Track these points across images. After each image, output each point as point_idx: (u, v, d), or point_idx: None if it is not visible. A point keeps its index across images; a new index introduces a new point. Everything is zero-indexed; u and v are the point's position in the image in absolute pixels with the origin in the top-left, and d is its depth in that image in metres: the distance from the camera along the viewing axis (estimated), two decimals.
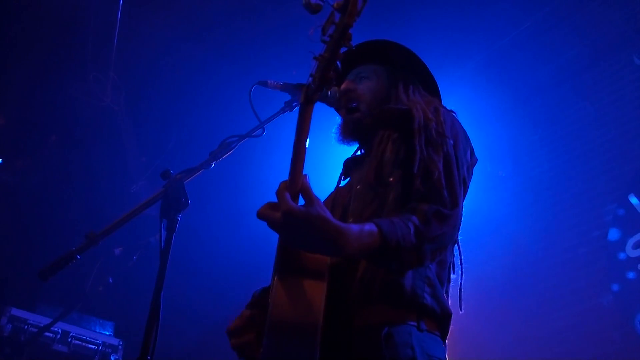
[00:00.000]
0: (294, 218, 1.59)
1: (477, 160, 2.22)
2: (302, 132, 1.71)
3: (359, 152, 2.45)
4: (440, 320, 1.95)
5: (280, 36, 6.99)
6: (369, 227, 1.69)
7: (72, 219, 7.00)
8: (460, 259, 2.18)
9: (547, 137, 6.79)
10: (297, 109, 2.68)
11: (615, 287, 5.58)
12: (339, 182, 2.40)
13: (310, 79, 1.75)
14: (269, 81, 2.70)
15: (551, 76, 6.86)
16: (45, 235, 6.96)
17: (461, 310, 2.13)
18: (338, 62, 1.71)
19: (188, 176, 2.35)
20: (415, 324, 1.87)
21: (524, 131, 6.95)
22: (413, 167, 1.93)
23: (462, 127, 2.18)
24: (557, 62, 6.79)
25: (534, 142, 6.85)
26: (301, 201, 1.67)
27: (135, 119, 7.89)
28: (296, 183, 1.68)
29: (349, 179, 2.39)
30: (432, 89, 2.48)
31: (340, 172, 2.43)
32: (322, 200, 2.38)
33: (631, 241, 5.61)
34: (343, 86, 2.39)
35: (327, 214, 1.63)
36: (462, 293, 2.15)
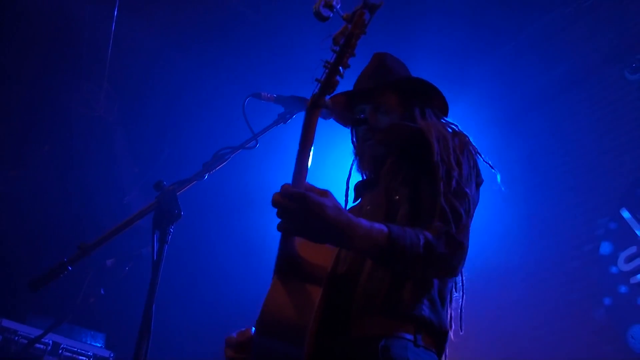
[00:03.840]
0: (311, 203, 1.63)
1: (482, 180, 2.25)
2: (307, 136, 1.78)
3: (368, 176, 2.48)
4: (438, 336, 1.97)
5: (274, 48, 7.01)
6: (379, 226, 1.75)
7: (64, 229, 6.96)
8: (462, 281, 2.22)
9: (539, 151, 6.82)
10: (290, 121, 2.69)
11: (607, 300, 5.59)
12: (346, 203, 2.45)
13: (316, 83, 1.83)
14: (262, 93, 2.71)
15: (543, 91, 6.90)
16: (37, 245, 6.92)
17: (461, 331, 2.15)
18: (341, 68, 1.80)
19: (181, 187, 2.35)
20: (412, 338, 1.89)
21: (516, 145, 6.98)
22: (432, 198, 1.96)
23: (472, 152, 2.21)
24: (549, 76, 6.82)
25: (526, 156, 6.87)
26: None
27: (129, 130, 7.88)
28: (300, 185, 1.73)
29: (359, 201, 2.43)
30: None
31: (346, 191, 2.47)
32: None
33: (623, 255, 5.62)
34: (369, 126, 2.38)
35: (340, 205, 1.70)
36: (463, 314, 2.18)
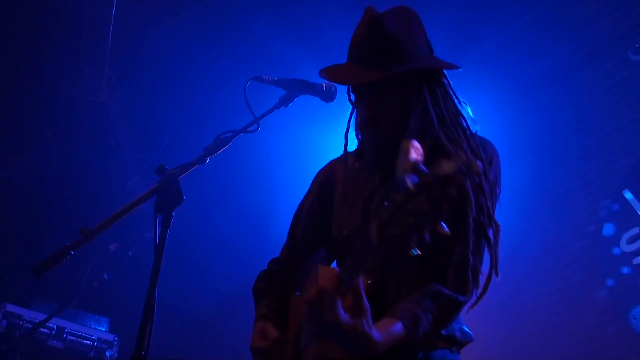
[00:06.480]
0: (339, 330, 1.62)
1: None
2: None
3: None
4: (463, 346, 2.09)
5: (276, 31, 6.98)
6: (395, 331, 1.75)
7: (66, 214, 6.98)
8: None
9: (542, 132, 6.80)
10: (292, 104, 2.68)
11: (609, 282, 5.60)
12: (345, 150, 2.28)
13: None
14: (263, 76, 2.69)
15: (547, 72, 6.86)
16: (40, 230, 6.94)
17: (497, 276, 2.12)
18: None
19: (183, 171, 2.34)
20: (448, 348, 2.00)
21: (518, 127, 6.96)
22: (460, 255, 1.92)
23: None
24: (553, 57, 6.79)
25: (529, 138, 6.86)
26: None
27: (130, 115, 7.87)
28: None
29: (368, 177, 2.19)
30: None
31: (345, 146, 2.28)
32: (321, 168, 2.43)
33: (625, 236, 5.62)
34: (367, 115, 2.12)
35: (372, 330, 1.66)
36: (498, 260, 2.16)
